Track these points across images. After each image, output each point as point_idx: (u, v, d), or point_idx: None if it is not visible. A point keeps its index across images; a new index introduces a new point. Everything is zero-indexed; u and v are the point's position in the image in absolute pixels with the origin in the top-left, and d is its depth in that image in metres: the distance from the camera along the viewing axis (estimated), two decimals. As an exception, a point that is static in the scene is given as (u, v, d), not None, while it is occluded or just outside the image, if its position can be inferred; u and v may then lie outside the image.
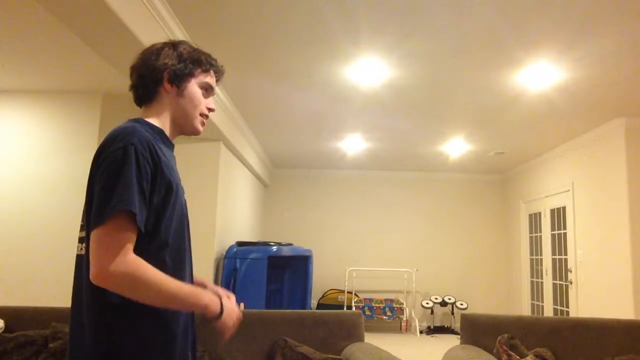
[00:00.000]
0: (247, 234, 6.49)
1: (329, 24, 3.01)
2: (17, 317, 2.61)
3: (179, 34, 3.07)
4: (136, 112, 1.31)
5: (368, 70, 3.70)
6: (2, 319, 2.56)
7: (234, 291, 4.72)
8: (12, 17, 3.02)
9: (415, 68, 3.66)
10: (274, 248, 5.11)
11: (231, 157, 5.38)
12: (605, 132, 5.00)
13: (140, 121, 1.23)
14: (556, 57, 3.40)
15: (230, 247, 4.98)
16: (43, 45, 3.40)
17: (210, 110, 1.35)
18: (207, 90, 1.34)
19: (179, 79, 1.28)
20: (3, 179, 4.17)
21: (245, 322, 2.66)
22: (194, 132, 1.33)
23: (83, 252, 1.16)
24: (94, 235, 1.05)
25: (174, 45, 1.30)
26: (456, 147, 6.14)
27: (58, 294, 3.91)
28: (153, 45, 1.31)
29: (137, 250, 1.09)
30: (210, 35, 3.19)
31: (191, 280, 1.29)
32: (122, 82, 3.94)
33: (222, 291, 1.24)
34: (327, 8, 2.81)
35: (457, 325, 7.50)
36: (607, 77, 3.76)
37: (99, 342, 1.09)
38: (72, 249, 4.04)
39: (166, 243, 1.16)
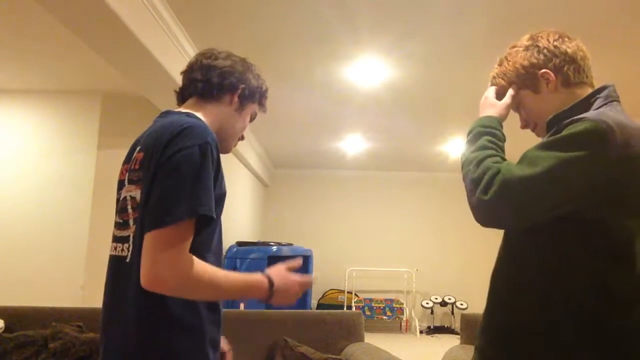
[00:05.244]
0: (247, 234, 6.49)
1: (330, 24, 3.01)
2: (17, 317, 2.61)
3: (180, 34, 3.07)
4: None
5: (368, 70, 3.69)
6: (2, 319, 2.55)
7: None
8: (12, 16, 3.02)
9: (415, 68, 3.66)
10: (274, 248, 5.11)
11: (231, 157, 5.38)
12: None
13: (194, 116, 1.16)
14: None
15: (230, 247, 4.98)
16: (43, 45, 3.40)
17: (242, 138, 1.37)
18: (251, 120, 1.38)
19: (247, 99, 1.30)
20: (3, 178, 4.16)
21: (245, 322, 2.66)
22: (227, 150, 1.32)
23: (125, 253, 1.09)
24: (157, 234, 0.97)
25: (253, 67, 1.33)
26: (456, 147, 6.14)
27: (58, 294, 3.90)
28: (231, 54, 1.31)
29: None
30: (210, 35, 3.19)
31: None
32: (122, 82, 3.93)
33: (274, 271, 1.17)
34: (327, 8, 2.81)
35: (457, 325, 7.49)
36: (611, 76, 3.75)
37: (149, 344, 1.06)
38: (72, 248, 4.03)
39: (210, 248, 1.14)
